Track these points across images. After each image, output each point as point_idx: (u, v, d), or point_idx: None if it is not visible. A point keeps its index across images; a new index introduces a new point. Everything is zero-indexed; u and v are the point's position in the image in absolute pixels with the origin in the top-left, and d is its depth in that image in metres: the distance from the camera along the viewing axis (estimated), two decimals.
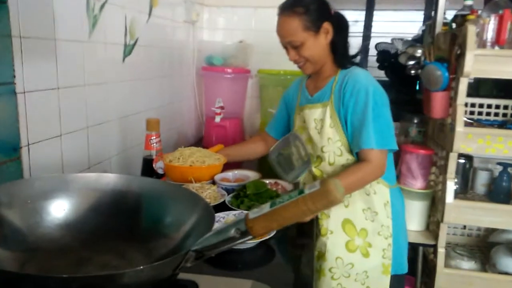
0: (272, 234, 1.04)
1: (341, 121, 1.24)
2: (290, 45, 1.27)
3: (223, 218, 1.15)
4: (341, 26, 1.30)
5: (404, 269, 1.34)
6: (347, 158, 1.25)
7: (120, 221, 0.76)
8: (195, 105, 2.31)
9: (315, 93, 1.35)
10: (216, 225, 1.14)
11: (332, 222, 1.28)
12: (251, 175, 1.56)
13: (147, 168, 1.18)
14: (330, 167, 1.27)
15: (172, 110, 1.97)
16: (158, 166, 1.18)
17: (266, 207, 0.55)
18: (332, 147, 1.24)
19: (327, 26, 1.25)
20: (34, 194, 0.74)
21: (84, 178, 0.79)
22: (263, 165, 1.69)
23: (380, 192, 1.27)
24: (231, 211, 1.18)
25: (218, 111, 2.10)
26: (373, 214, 1.26)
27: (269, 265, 1.00)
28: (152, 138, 1.17)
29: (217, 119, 2.10)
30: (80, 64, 1.16)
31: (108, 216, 0.76)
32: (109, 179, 0.79)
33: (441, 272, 1.80)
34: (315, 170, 1.30)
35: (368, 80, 1.24)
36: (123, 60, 1.41)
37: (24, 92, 0.94)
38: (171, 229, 0.75)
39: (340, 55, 1.30)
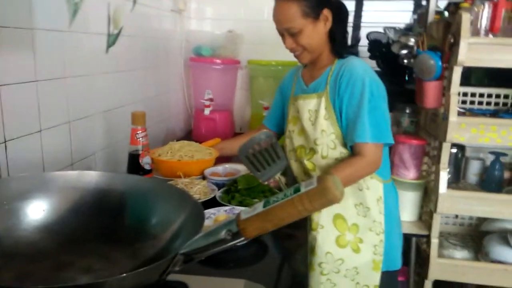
0: None
1: (335, 113, 1.20)
2: (288, 32, 1.21)
3: (213, 215, 1.11)
4: (340, 14, 1.25)
5: (397, 265, 1.31)
6: (340, 151, 1.22)
7: (103, 221, 0.71)
8: (184, 97, 2.25)
9: (310, 83, 1.30)
10: (207, 222, 1.11)
11: (323, 216, 1.24)
12: (242, 169, 1.52)
13: (133, 164, 1.13)
14: (323, 160, 1.23)
15: (159, 102, 1.91)
16: (145, 161, 1.13)
17: (259, 207, 0.50)
18: (326, 139, 1.21)
19: (326, 13, 1.20)
20: (10, 194, 0.69)
21: (64, 177, 0.74)
22: None
23: (373, 188, 1.23)
24: (222, 207, 1.14)
25: (207, 103, 2.05)
26: (365, 210, 1.23)
27: (262, 263, 0.97)
28: (138, 132, 1.12)
29: (206, 111, 2.05)
30: (60, 55, 1.10)
31: (90, 216, 0.71)
32: (91, 177, 0.75)
33: (435, 262, 1.80)
34: (308, 163, 1.26)
35: (365, 70, 1.20)
36: (107, 50, 1.35)
37: None
38: (158, 229, 0.71)
39: (338, 44, 1.25)
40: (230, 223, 0.51)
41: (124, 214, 0.73)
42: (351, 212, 1.23)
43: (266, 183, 1.26)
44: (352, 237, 1.23)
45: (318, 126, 1.21)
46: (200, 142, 2.05)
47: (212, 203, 1.21)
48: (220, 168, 1.44)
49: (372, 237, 1.22)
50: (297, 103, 1.29)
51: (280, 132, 1.51)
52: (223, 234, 0.51)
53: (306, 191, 0.47)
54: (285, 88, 1.46)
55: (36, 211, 0.69)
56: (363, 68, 1.20)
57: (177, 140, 2.10)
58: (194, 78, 2.17)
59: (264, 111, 2.02)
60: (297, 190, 0.48)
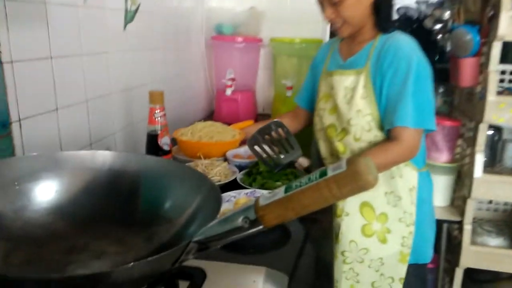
0: None
1: (375, 92, 1.10)
2: (328, 1, 1.11)
3: (234, 197, 1.07)
4: None
5: (427, 258, 1.23)
6: (375, 134, 1.13)
7: (117, 203, 0.68)
8: (205, 77, 2.20)
9: (348, 58, 1.20)
10: (227, 205, 1.07)
11: (350, 203, 1.18)
12: None
13: (152, 144, 1.09)
14: (355, 142, 1.15)
15: (180, 82, 1.86)
16: (164, 142, 1.09)
17: (280, 192, 0.45)
18: (361, 120, 1.11)
19: None
20: (21, 174, 0.66)
21: (77, 157, 0.71)
22: None
23: (407, 176, 1.15)
24: (243, 190, 1.09)
25: (229, 83, 1.99)
26: (396, 199, 1.15)
27: (284, 249, 0.92)
28: (156, 111, 1.08)
29: (228, 91, 1.99)
30: (75, 31, 1.07)
31: (103, 198, 0.68)
32: (105, 158, 0.71)
33: (467, 249, 1.71)
34: (338, 144, 1.18)
35: (411, 48, 1.09)
36: (124, 27, 1.30)
37: (12, 62, 0.85)
38: (173, 212, 0.67)
39: (383, 17, 1.14)
40: (248, 209, 0.46)
41: (139, 196, 0.69)
42: (381, 200, 1.15)
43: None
44: (379, 226, 1.16)
45: (353, 106, 1.12)
46: (223, 123, 2.03)
47: (233, 185, 1.16)
48: (242, 150, 1.38)
49: (401, 228, 1.15)
50: (331, 79, 1.20)
51: (312, 110, 1.43)
52: (240, 221, 0.46)
53: (334, 175, 0.41)
54: (318, 63, 1.36)
55: (48, 192, 0.66)
56: (409, 45, 1.10)
57: (198, 121, 2.07)
58: (215, 57, 2.12)
59: (287, 91, 1.95)
60: (324, 173, 0.42)
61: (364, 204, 1.17)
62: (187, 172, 0.71)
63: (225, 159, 1.32)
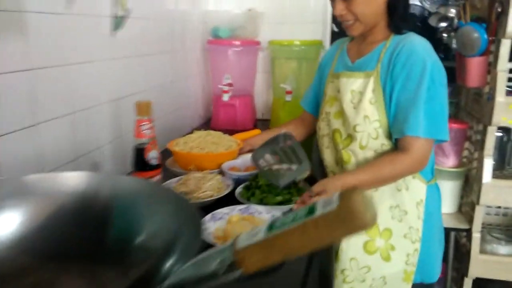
0: None
1: (384, 98, 1.03)
2: None
3: (227, 215, 1.00)
4: None
5: (434, 277, 1.15)
6: (382, 142, 1.06)
7: (88, 232, 0.61)
8: (201, 83, 2.13)
9: (357, 59, 1.12)
10: (218, 224, 1.00)
11: None
12: None
13: (139, 158, 1.03)
14: (360, 150, 1.07)
15: (176, 89, 1.80)
16: (151, 156, 1.03)
17: (261, 232, 0.38)
18: (368, 127, 1.04)
19: None
20: None
21: (44, 180, 0.64)
22: None
23: (414, 189, 1.07)
24: (237, 206, 1.03)
25: (226, 88, 1.92)
26: (402, 214, 1.08)
27: (286, 269, 0.85)
28: (143, 124, 1.01)
29: (225, 97, 1.93)
30: (57, 41, 1.00)
31: (73, 227, 0.61)
32: (75, 180, 0.64)
33: (476, 258, 1.63)
34: (343, 153, 1.11)
35: (426, 51, 1.01)
36: (113, 34, 1.24)
37: None
38: (150, 241, 0.60)
39: (398, 17, 1.05)
40: (224, 251, 0.39)
41: (111, 224, 0.62)
42: (385, 215, 1.08)
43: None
44: (382, 243, 1.09)
45: (361, 111, 1.04)
46: (223, 130, 1.95)
47: (229, 200, 1.10)
48: (239, 162, 1.31)
49: (406, 245, 1.08)
50: (338, 81, 1.12)
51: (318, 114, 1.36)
52: (214, 265, 0.39)
53: (323, 214, 0.34)
54: (325, 64, 1.28)
55: (11, 224, 0.59)
56: (424, 48, 1.02)
57: (196, 129, 2.00)
58: (212, 62, 2.05)
59: (286, 96, 1.88)
60: (312, 211, 0.35)
61: None
62: (165, 195, 0.64)
63: (221, 171, 1.26)
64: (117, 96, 1.28)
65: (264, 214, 1.00)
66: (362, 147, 1.07)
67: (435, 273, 1.14)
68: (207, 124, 2.14)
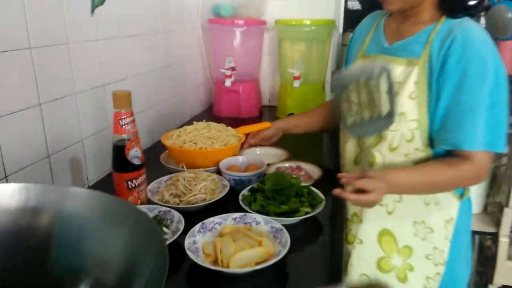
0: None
1: (430, 94, 0.84)
2: None
3: (218, 225, 0.85)
4: None
5: None
6: (416, 147, 0.87)
7: (25, 260, 0.47)
8: (203, 66, 1.97)
9: (396, 41, 0.92)
10: (208, 236, 0.85)
11: (365, 229, 0.96)
12: (274, 158, 1.24)
13: (119, 157, 0.88)
14: (390, 153, 0.90)
15: (173, 73, 1.64)
16: (133, 155, 0.88)
17: None
18: (403, 126, 0.86)
19: None
20: None
21: None
22: (289, 140, 1.36)
23: (445, 205, 0.91)
24: (231, 214, 0.88)
25: (229, 73, 1.75)
26: (427, 231, 0.92)
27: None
28: (122, 118, 0.86)
29: (228, 82, 1.76)
30: (20, 21, 0.85)
31: (7, 254, 0.47)
32: (12, 194, 0.49)
33: (503, 265, 1.48)
34: (373, 153, 0.93)
35: (487, 44, 0.81)
36: (92, 12, 1.08)
37: None
38: (102, 274, 0.46)
39: None
40: None
41: (53, 249, 0.48)
42: (407, 231, 0.92)
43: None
44: (400, 262, 0.93)
45: (397, 106, 0.85)
46: (222, 119, 1.81)
47: (229, 204, 0.96)
48: (240, 160, 1.15)
49: (428, 267, 0.92)
50: None
51: None
52: None
53: None
54: (354, 40, 1.07)
55: None
56: (484, 40, 0.81)
57: (197, 117, 1.85)
58: (213, 43, 1.88)
59: (294, 82, 1.70)
60: None
61: (385, 233, 0.94)
62: (123, 214, 0.49)
63: (218, 170, 1.10)
64: (99, 83, 1.13)
65: (262, 225, 0.86)
66: (392, 149, 0.89)
67: None
68: (209, 111, 1.99)
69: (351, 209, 0.99)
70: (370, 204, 0.80)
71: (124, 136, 0.88)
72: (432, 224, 0.90)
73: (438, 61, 0.83)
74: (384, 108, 0.77)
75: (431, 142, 0.87)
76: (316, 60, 1.79)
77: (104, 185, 1.13)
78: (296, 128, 1.25)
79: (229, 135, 1.19)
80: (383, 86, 0.76)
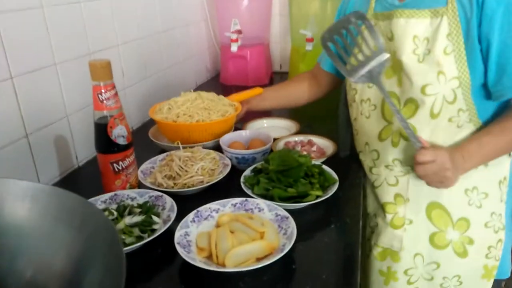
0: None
1: (469, 45, 0.71)
2: None
3: (216, 212, 0.75)
4: None
5: (507, 272, 0.90)
6: (460, 107, 0.76)
7: None
8: (207, 29, 1.81)
9: None
10: (205, 224, 0.75)
11: (412, 207, 0.85)
12: (279, 128, 1.11)
13: (102, 137, 0.77)
14: (431, 120, 0.78)
15: (174, 38, 1.50)
16: (117, 133, 0.77)
17: None
18: (443, 87, 0.74)
19: None
20: None
21: None
22: (301, 111, 1.22)
23: (496, 164, 0.79)
24: (231, 199, 0.77)
25: (234, 36, 1.60)
26: (481, 197, 0.81)
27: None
28: (101, 92, 0.74)
29: (234, 47, 1.61)
30: None
31: None
32: None
33: None
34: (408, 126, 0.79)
35: None
36: None
37: None
38: (43, 274, 0.37)
39: None
40: None
41: None
42: (460, 201, 0.82)
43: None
44: (457, 236, 0.83)
45: (432, 65, 0.74)
46: (229, 88, 1.68)
47: (227, 185, 0.85)
48: (243, 134, 1.03)
49: (488, 236, 0.83)
50: (388, 24, 0.80)
51: (339, 75, 1.06)
52: None
53: None
54: (352, 3, 0.95)
55: None
56: None
57: (198, 88, 1.72)
58: (217, 4, 1.72)
59: (307, 44, 1.54)
60: None
61: (434, 206, 0.84)
62: (69, 207, 0.40)
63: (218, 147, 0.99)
64: (86, 51, 1.01)
65: (266, 212, 0.74)
66: (434, 116, 0.77)
67: (508, 267, 0.90)
68: (216, 79, 1.86)
69: (390, 190, 0.87)
70: (443, 181, 0.73)
71: (105, 112, 0.76)
72: (485, 188, 0.80)
73: (472, 4, 0.69)
74: (371, 44, 0.77)
75: (475, 99, 0.76)
76: (331, 19, 1.60)
77: (97, 165, 1.04)
78: (260, 104, 1.15)
79: (225, 105, 1.07)
80: (363, 29, 0.79)
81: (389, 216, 0.87)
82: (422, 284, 0.89)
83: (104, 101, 0.75)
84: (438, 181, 0.74)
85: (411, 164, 0.82)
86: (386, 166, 0.87)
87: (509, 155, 0.81)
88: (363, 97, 0.89)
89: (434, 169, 0.72)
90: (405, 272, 0.88)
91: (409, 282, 0.89)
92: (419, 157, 0.72)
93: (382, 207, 0.89)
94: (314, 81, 1.13)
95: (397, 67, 0.80)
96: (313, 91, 1.13)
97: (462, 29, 0.71)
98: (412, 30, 0.76)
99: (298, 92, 1.14)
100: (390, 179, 0.87)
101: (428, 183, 0.76)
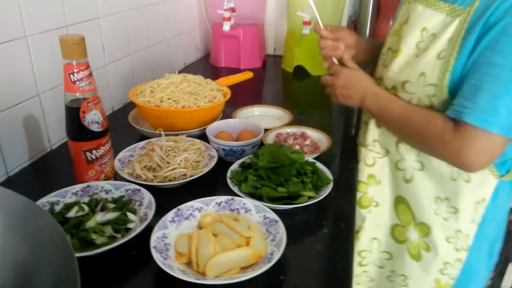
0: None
1: (460, 54, 0.63)
2: None
3: (198, 211, 0.68)
4: None
5: None
6: None
7: None
8: (198, 5, 1.71)
9: None
10: (186, 225, 0.68)
11: (381, 192, 0.81)
12: (271, 118, 1.04)
13: (73, 122, 0.69)
14: None
15: (161, 12, 1.40)
16: (90, 119, 0.69)
17: None
18: (421, 90, 0.68)
19: None
20: None
21: None
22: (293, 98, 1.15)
23: (479, 183, 0.71)
24: (215, 197, 0.70)
25: (227, 14, 1.50)
26: (451, 210, 0.74)
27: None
28: (72, 72, 0.66)
29: (226, 26, 1.52)
30: None
31: None
32: None
33: None
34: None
35: None
36: None
37: None
38: None
39: None
40: None
41: None
42: (426, 205, 0.75)
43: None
44: (415, 236, 0.78)
45: (420, 64, 0.68)
46: (219, 70, 1.59)
47: (213, 178, 0.78)
48: (232, 123, 0.96)
49: (447, 251, 0.76)
50: (412, 7, 0.73)
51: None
52: None
53: None
54: None
55: None
56: None
57: (186, 69, 1.63)
58: None
59: (303, 28, 1.46)
60: None
61: (400, 200, 0.79)
62: (11, 209, 0.33)
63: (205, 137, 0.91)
64: (61, 24, 0.91)
65: (253, 213, 0.68)
66: None
67: None
68: (206, 59, 1.76)
69: (365, 170, 0.82)
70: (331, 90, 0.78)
71: (78, 95, 0.68)
72: (458, 203, 0.73)
73: (482, 16, 0.62)
74: None
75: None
76: (330, 1, 1.52)
77: None
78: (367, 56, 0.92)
79: (212, 90, 0.99)
80: None
81: (358, 194, 0.82)
82: (372, 269, 0.86)
83: (77, 82, 0.67)
84: (331, 93, 0.79)
85: (389, 147, 0.78)
86: (366, 146, 0.82)
87: (498, 176, 0.73)
88: (380, 75, 0.83)
89: (331, 80, 0.77)
90: (359, 253, 0.85)
91: (360, 264, 0.86)
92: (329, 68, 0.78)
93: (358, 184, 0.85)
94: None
95: (392, 52, 0.75)
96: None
97: (462, 36, 0.63)
98: (424, 21, 0.69)
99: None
100: (368, 159, 0.82)
101: (331, 91, 0.78)
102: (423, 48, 0.68)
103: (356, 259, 0.86)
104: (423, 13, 0.69)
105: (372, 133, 0.80)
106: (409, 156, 0.75)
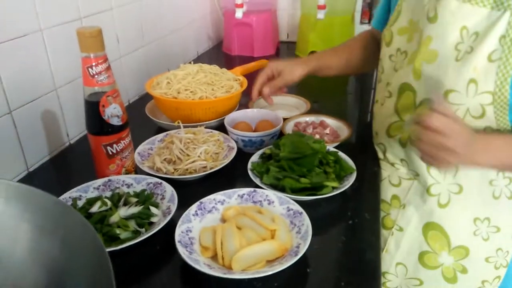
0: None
1: None
2: None
3: (221, 204, 0.67)
4: None
5: None
6: (487, 125, 0.63)
7: None
8: None
9: None
10: (209, 218, 0.68)
11: (406, 216, 0.77)
12: (288, 106, 1.02)
13: (93, 117, 0.68)
14: None
15: (172, 1, 1.38)
16: (111, 113, 0.68)
17: None
18: (471, 100, 0.61)
19: None
20: None
21: None
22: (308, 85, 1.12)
23: None
24: (238, 190, 0.69)
25: (240, 1, 1.48)
26: (492, 230, 0.71)
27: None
28: (91, 65, 0.65)
29: (239, 13, 1.49)
30: None
31: None
32: None
33: None
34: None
35: None
36: None
37: None
38: None
39: None
40: None
41: None
42: (464, 229, 0.73)
43: None
44: (451, 261, 0.75)
45: (468, 68, 0.59)
46: (233, 59, 1.57)
47: (233, 170, 0.78)
48: (249, 113, 0.94)
49: (486, 270, 0.73)
50: (443, 0, 0.62)
51: None
52: None
53: None
54: None
55: None
56: None
57: (199, 58, 1.61)
58: None
59: (318, 12, 1.42)
60: None
61: (431, 226, 0.75)
62: (39, 208, 0.33)
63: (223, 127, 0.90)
64: (76, 16, 0.90)
65: (276, 205, 0.67)
66: None
67: None
68: (218, 47, 1.74)
69: (389, 190, 0.79)
70: (440, 160, 0.57)
71: (97, 89, 0.67)
72: (500, 222, 0.70)
73: None
74: None
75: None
76: None
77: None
78: (326, 69, 0.93)
79: (229, 79, 0.97)
80: None
81: (382, 213, 0.79)
82: None
83: (96, 76, 0.66)
84: (435, 157, 0.58)
85: (418, 170, 0.72)
86: (392, 164, 0.78)
87: None
88: (380, 79, 0.79)
89: (440, 141, 0.56)
90: (383, 274, 0.81)
91: (385, 285, 0.82)
92: (428, 119, 0.55)
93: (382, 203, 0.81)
94: (371, 39, 0.93)
95: (430, 58, 0.65)
96: (368, 51, 0.93)
97: None
98: (463, 19, 0.61)
99: (354, 55, 0.95)
100: (393, 178, 0.79)
101: (421, 152, 0.60)
102: (467, 51, 0.61)
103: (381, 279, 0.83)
104: (459, 10, 0.61)
105: (399, 153, 0.76)
106: (444, 180, 0.70)
